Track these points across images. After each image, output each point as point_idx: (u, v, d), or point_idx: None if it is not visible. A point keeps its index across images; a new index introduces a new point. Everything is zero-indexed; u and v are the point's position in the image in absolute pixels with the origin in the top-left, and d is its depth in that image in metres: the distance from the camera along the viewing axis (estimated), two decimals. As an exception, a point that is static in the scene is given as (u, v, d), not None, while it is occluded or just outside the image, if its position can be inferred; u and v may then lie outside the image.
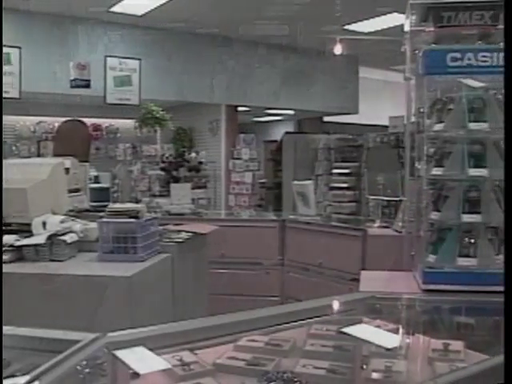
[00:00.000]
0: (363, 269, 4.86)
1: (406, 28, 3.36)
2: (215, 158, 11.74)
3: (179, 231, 4.62)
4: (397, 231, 4.49)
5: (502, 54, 2.80)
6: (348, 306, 2.80)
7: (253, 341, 2.42)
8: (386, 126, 7.57)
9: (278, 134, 13.23)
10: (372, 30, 9.75)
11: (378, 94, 13.41)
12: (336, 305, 2.76)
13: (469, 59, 2.80)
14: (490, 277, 2.84)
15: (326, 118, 13.68)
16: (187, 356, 2.21)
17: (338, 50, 9.78)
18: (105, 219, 3.75)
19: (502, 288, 2.80)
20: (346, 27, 9.76)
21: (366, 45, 10.31)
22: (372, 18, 9.24)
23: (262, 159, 12.25)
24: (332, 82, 11.84)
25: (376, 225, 5.37)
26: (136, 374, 1.93)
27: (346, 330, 2.63)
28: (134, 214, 3.78)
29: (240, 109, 12.19)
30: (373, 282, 3.23)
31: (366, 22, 9.55)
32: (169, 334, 2.14)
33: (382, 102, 12.68)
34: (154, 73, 9.70)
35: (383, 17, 9.14)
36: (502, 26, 3.03)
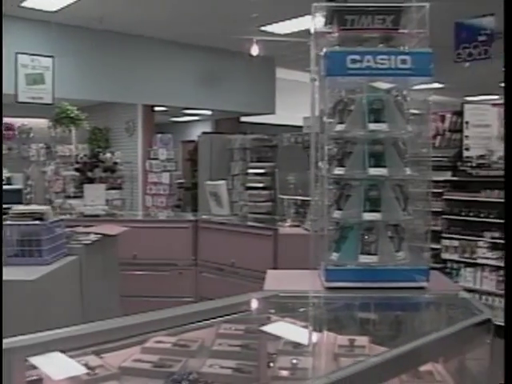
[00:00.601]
0: (275, 267, 4.92)
1: (311, 30, 3.40)
2: (132, 158, 11.59)
3: (88, 233, 4.54)
4: (307, 230, 4.55)
5: (399, 57, 2.88)
6: (252, 304, 2.82)
7: (160, 342, 2.40)
8: (301, 127, 7.66)
9: (195, 134, 13.17)
10: (288, 31, 9.85)
11: (294, 95, 13.54)
12: (241, 304, 2.76)
13: (368, 61, 2.85)
14: (390, 273, 2.92)
15: (243, 119, 13.73)
16: (93, 360, 2.16)
17: (254, 50, 9.83)
18: (8, 222, 3.63)
19: (402, 284, 2.91)
20: (263, 28, 9.81)
21: (283, 46, 10.42)
22: (288, 19, 9.32)
23: (179, 159, 12.20)
24: (249, 82, 11.89)
25: (287, 224, 5.44)
26: (38, 380, 1.88)
27: (263, 328, 2.65)
28: (39, 216, 3.68)
29: (157, 109, 12.08)
30: (278, 280, 3.25)
31: (281, 23, 9.62)
32: (73, 338, 2.07)
33: (298, 102, 12.81)
34: (69, 71, 9.46)
35: (300, 18, 9.24)
36: (402, 30, 3.12)
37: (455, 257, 6.99)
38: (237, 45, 10.42)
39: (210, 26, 9.67)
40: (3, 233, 3.55)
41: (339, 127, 2.93)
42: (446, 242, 7.06)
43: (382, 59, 2.87)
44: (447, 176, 7.12)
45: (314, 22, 3.28)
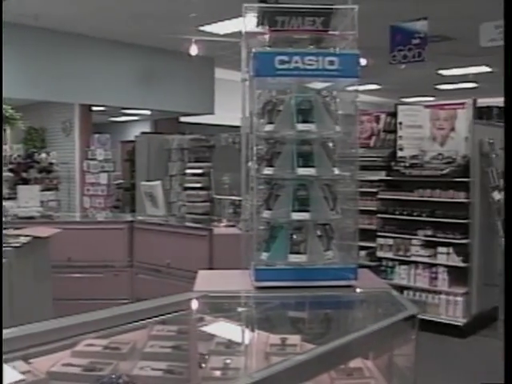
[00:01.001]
0: (211, 268, 4.92)
1: (242, 30, 3.41)
2: (69, 158, 11.40)
3: (18, 235, 4.44)
4: (241, 230, 4.55)
5: (327, 58, 2.92)
6: (183, 305, 2.80)
7: (91, 345, 2.35)
8: (240, 127, 7.60)
9: (134, 134, 13.01)
10: (228, 31, 9.84)
11: (233, 95, 13.55)
12: (171, 305, 2.75)
13: (296, 62, 2.88)
14: (319, 272, 2.95)
15: (182, 119, 13.67)
16: (20, 365, 2.10)
17: (193, 50, 9.79)
18: None
19: (331, 282, 2.94)
20: (202, 28, 9.78)
21: (222, 46, 10.40)
22: (228, 19, 9.31)
23: (118, 160, 12.05)
24: (188, 82, 11.84)
25: (223, 224, 5.45)
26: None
27: (194, 328, 2.64)
28: (-37, 219, 3.57)
29: (95, 108, 11.91)
30: (208, 280, 3.25)
31: (220, 23, 9.60)
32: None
33: (237, 102, 12.81)
34: (3, 69, 9.19)
35: (240, 18, 9.21)
36: (333, 32, 3.16)
37: (390, 255, 7.13)
38: (176, 44, 10.37)
39: (148, 25, 9.59)
40: None
41: (268, 127, 2.94)
42: (380, 241, 7.19)
43: (310, 60, 2.89)
44: (382, 176, 7.25)
45: (245, 23, 3.29)
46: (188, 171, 7.82)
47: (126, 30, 10.02)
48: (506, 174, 2.42)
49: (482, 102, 14.94)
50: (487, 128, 7.14)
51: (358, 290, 2.94)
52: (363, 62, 10.56)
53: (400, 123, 7.17)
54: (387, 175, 7.22)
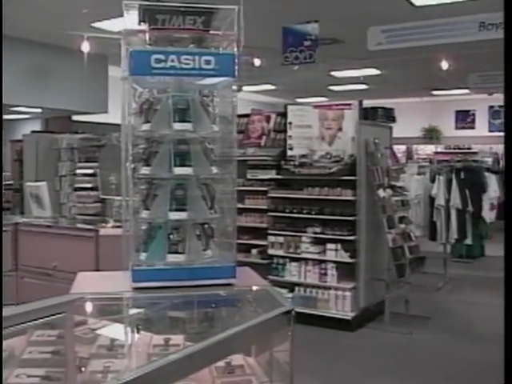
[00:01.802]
0: (97, 269, 4.83)
1: (123, 28, 3.36)
2: (-48, 158, 10.83)
3: None
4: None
5: (204, 58, 2.92)
6: (60, 308, 2.73)
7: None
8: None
9: (25, 133, 12.59)
10: (121, 29, 9.64)
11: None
12: (47, 308, 2.67)
13: (172, 61, 2.87)
14: (198, 271, 2.95)
15: (75, 117, 13.33)
16: None
17: (85, 47, 9.56)
18: None
19: (210, 281, 2.95)
20: (94, 25, 9.56)
21: (115, 44, 10.17)
22: (120, 16, 9.12)
23: (8, 159, 11.59)
24: (80, 80, 11.54)
25: (110, 225, 5.36)
26: None
27: (74, 332, 2.57)
28: None
29: (-19, 106, 11.40)
30: (87, 282, 3.20)
31: (114, 20, 9.42)
32: None
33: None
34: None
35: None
36: (214, 32, 3.16)
37: (281, 252, 7.24)
38: (68, 41, 10.08)
39: (39, 20, 9.27)
40: None
41: (145, 126, 2.92)
42: (271, 239, 7.29)
43: (187, 59, 2.89)
44: (272, 174, 7.35)
45: (125, 20, 3.25)
46: (78, 171, 7.66)
47: (15, 25, 9.64)
48: (506, 174, 2.44)
49: (370, 102, 15.50)
50: (372, 128, 7.41)
51: (236, 288, 2.97)
52: (257, 62, 10.70)
53: (290, 123, 7.31)
54: (277, 174, 7.33)
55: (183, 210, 2.88)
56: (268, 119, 7.85)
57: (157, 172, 2.89)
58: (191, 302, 3.02)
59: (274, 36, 8.15)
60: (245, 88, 14.31)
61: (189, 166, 2.87)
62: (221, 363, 3.11)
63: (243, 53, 8.14)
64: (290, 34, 8.21)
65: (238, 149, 7.44)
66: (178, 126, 2.86)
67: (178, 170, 2.85)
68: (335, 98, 14.72)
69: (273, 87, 15.99)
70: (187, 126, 2.87)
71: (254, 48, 9.80)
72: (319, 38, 8.00)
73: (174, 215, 2.87)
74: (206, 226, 3.00)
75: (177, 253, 2.91)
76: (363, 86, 15.15)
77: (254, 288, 3.06)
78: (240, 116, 8.11)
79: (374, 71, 13.14)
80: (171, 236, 2.91)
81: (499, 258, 10.61)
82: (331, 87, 15.70)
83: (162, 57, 2.87)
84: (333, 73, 13.41)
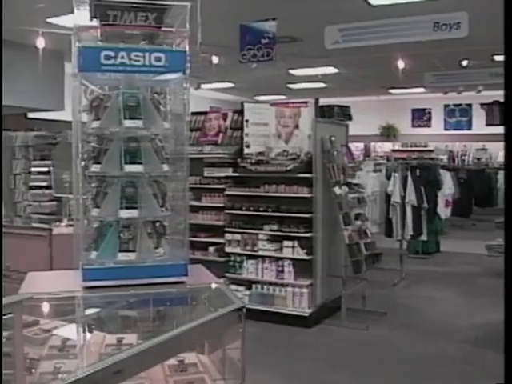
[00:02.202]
0: (51, 269, 4.76)
1: (73, 24, 3.32)
2: None
3: None
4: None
5: (154, 54, 2.91)
6: (7, 308, 2.68)
7: None
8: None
9: (-22, 130, 12.34)
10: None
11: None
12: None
13: (122, 58, 2.85)
14: (149, 270, 2.94)
15: (31, 115, 13.09)
16: None
17: (41, 43, 9.40)
18: None
19: (162, 279, 2.94)
20: (50, 20, 9.39)
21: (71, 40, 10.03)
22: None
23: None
24: (35, 77, 11.33)
25: (64, 224, 5.29)
26: None
27: (24, 333, 2.52)
28: None
29: None
30: (37, 282, 3.15)
31: (71, 16, 9.26)
32: None
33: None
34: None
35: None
36: (166, 29, 3.15)
37: (238, 250, 7.23)
38: (23, 37, 9.88)
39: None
40: None
41: (95, 124, 2.90)
42: (229, 236, 7.29)
43: (137, 56, 2.88)
44: (229, 172, 7.34)
45: (76, 16, 3.21)
46: (33, 169, 7.54)
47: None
48: (506, 174, 2.47)
49: (328, 101, 15.60)
50: (329, 126, 7.46)
51: (188, 286, 2.97)
52: (215, 60, 10.63)
53: (247, 121, 7.31)
54: (234, 172, 7.32)
55: (134, 208, 2.87)
56: (225, 117, 7.84)
57: (107, 170, 2.87)
58: (143, 300, 3.01)
59: (232, 34, 8.14)
60: (204, 86, 14.26)
61: (139, 163, 2.86)
62: (174, 361, 3.12)
63: (201, 50, 8.14)
64: (248, 32, 8.20)
65: (195, 146, 7.46)
66: (128, 123, 2.84)
67: (129, 168, 2.84)
68: (294, 96, 14.80)
69: (232, 85, 15.97)
70: (138, 123, 2.86)
71: (212, 46, 9.80)
72: (277, 36, 8.01)
73: (125, 213, 2.85)
74: (158, 223, 2.99)
75: (128, 251, 2.89)
76: (322, 85, 15.24)
77: (206, 286, 3.06)
78: (197, 113, 8.10)
79: (332, 69, 13.23)
80: (122, 234, 2.89)
81: (454, 254, 10.85)
82: (290, 85, 15.76)
83: (111, 53, 2.85)
84: (291, 71, 13.46)
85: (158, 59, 2.90)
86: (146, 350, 2.20)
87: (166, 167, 2.96)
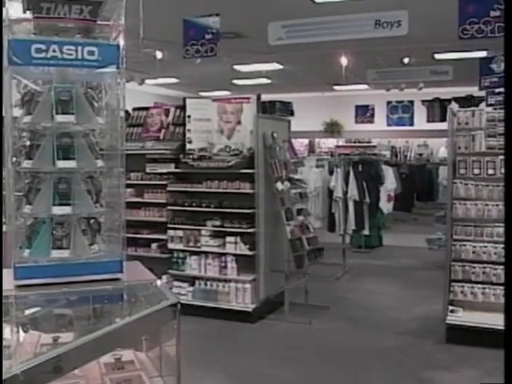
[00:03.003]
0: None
1: (4, 16, 3.24)
2: None
3: None
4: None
5: (87, 48, 2.86)
6: None
7: None
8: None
9: None
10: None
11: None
12: None
13: (54, 51, 2.79)
14: (84, 267, 2.89)
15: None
16: None
17: None
18: None
19: (97, 276, 2.90)
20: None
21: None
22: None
23: None
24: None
25: (4, 221, 5.15)
26: None
27: None
28: None
29: None
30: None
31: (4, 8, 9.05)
32: None
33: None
34: None
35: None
36: (101, 22, 3.10)
37: (181, 246, 7.21)
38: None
39: None
40: None
41: (26, 119, 2.83)
42: (171, 233, 7.25)
43: (69, 50, 2.82)
44: (171, 168, 7.30)
45: (7, 8, 3.12)
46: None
47: None
48: (506, 174, 2.47)
49: (273, 97, 15.67)
50: (271, 122, 7.50)
51: (124, 283, 2.94)
52: (159, 55, 10.54)
53: (189, 116, 7.28)
54: (176, 167, 7.29)
55: (67, 205, 2.81)
56: (167, 112, 7.79)
57: (39, 165, 2.81)
58: (79, 298, 2.96)
59: (175, 29, 8.09)
60: (148, 81, 14.13)
61: (72, 159, 2.81)
62: (110, 359, 3.09)
63: (143, 45, 8.01)
64: (191, 27, 8.15)
65: (137, 142, 7.39)
66: (60, 118, 2.78)
67: (61, 164, 2.78)
68: (239, 91, 14.78)
69: (177, 80, 15.87)
70: (70, 118, 2.80)
71: (156, 41, 9.72)
72: (221, 32, 8.00)
73: (58, 210, 2.79)
74: (93, 220, 2.95)
75: (61, 248, 2.84)
76: (267, 81, 15.28)
77: (142, 282, 3.03)
78: (139, 109, 8.02)
79: (276, 66, 13.28)
80: (55, 231, 2.84)
81: (396, 248, 11.08)
82: (235, 81, 15.76)
83: (42, 46, 2.79)
84: (236, 67, 13.45)
85: (91, 53, 2.85)
86: (80, 346, 2.19)
87: (100, 163, 2.91)
